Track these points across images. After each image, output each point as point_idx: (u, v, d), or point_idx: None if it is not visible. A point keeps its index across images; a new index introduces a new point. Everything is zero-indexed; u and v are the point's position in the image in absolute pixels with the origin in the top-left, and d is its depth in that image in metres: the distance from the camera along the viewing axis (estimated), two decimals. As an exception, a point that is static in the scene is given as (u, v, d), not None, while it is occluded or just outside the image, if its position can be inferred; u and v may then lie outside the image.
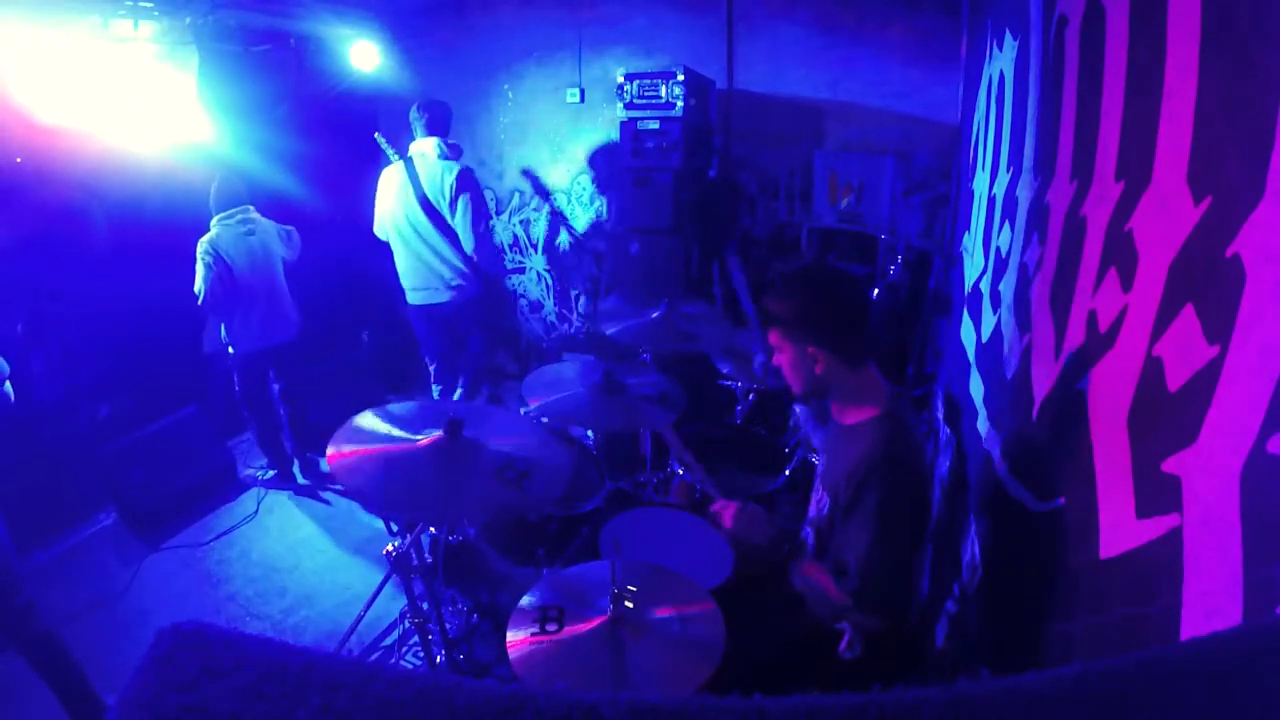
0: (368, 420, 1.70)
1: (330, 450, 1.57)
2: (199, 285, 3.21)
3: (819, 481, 1.68)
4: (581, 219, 4.76)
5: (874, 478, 1.43)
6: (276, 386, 3.63)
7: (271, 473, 3.73)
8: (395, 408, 1.77)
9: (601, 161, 4.56)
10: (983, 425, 2.02)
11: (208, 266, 3.18)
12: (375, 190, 3.51)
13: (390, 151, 3.45)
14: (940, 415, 2.83)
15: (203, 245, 3.22)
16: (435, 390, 3.81)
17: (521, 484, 1.58)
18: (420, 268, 3.45)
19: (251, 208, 3.39)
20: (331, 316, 4.71)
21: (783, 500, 2.51)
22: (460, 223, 3.34)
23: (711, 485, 1.72)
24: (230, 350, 3.44)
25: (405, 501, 1.59)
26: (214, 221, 3.28)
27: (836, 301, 1.52)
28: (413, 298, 3.55)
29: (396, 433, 1.67)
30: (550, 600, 1.49)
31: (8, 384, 2.22)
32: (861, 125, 3.87)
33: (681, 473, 2.35)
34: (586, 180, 4.66)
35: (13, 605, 2.01)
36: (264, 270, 3.40)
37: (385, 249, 3.58)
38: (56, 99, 2.88)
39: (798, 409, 2.10)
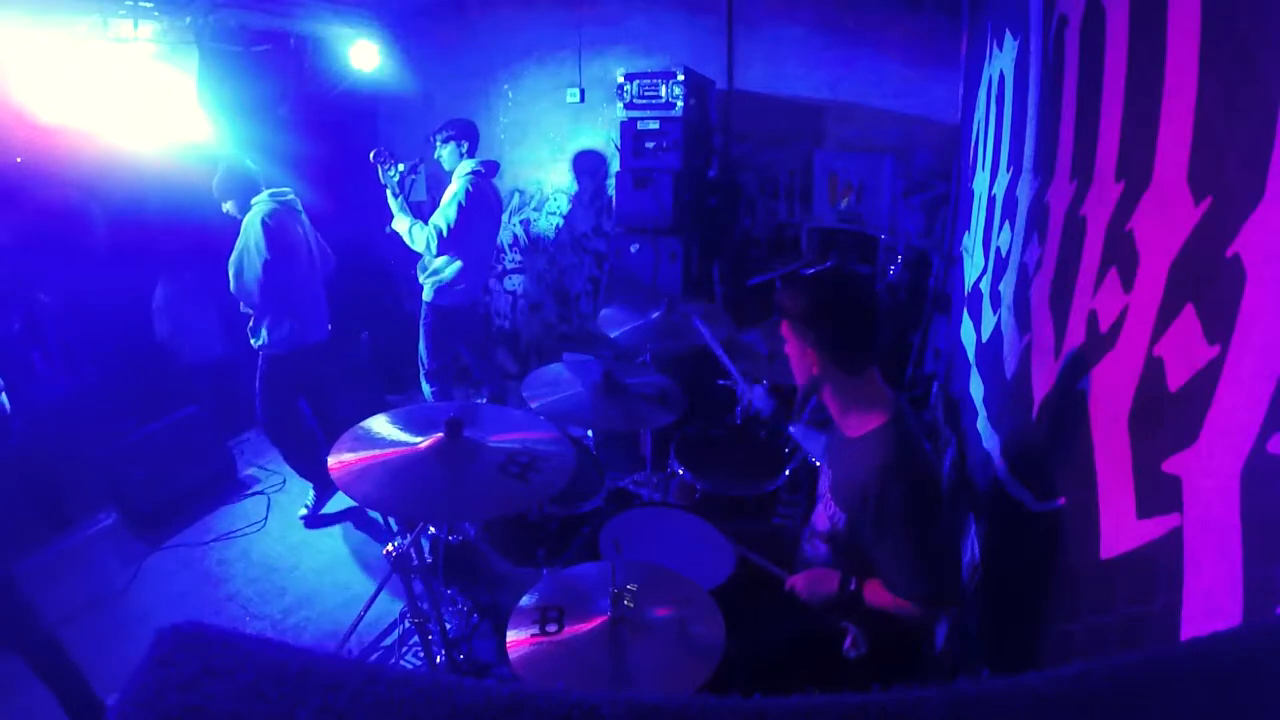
0: (367, 427, 1.70)
1: (331, 460, 1.58)
2: (252, 264, 2.88)
3: (828, 495, 1.67)
4: (582, 219, 4.76)
5: (892, 486, 1.42)
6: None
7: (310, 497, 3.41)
8: (393, 413, 1.77)
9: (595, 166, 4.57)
10: (983, 425, 2.02)
11: (268, 238, 2.86)
12: (380, 190, 3.55)
13: (387, 170, 3.48)
14: (940, 415, 2.83)
15: (258, 216, 2.90)
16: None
17: (526, 476, 1.58)
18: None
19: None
20: (332, 316, 4.71)
21: (782, 500, 2.50)
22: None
23: (776, 568, 1.71)
24: (265, 351, 3.11)
25: (411, 504, 1.59)
26: (264, 195, 3.00)
27: (841, 311, 1.51)
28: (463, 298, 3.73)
29: (397, 436, 1.67)
30: (550, 600, 1.49)
31: (3, 395, 2.21)
32: (861, 125, 3.87)
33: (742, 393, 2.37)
34: (586, 180, 4.66)
35: (9, 608, 2.01)
36: (311, 259, 3.18)
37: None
38: (56, 99, 2.88)
39: (792, 430, 2.11)
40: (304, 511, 3.38)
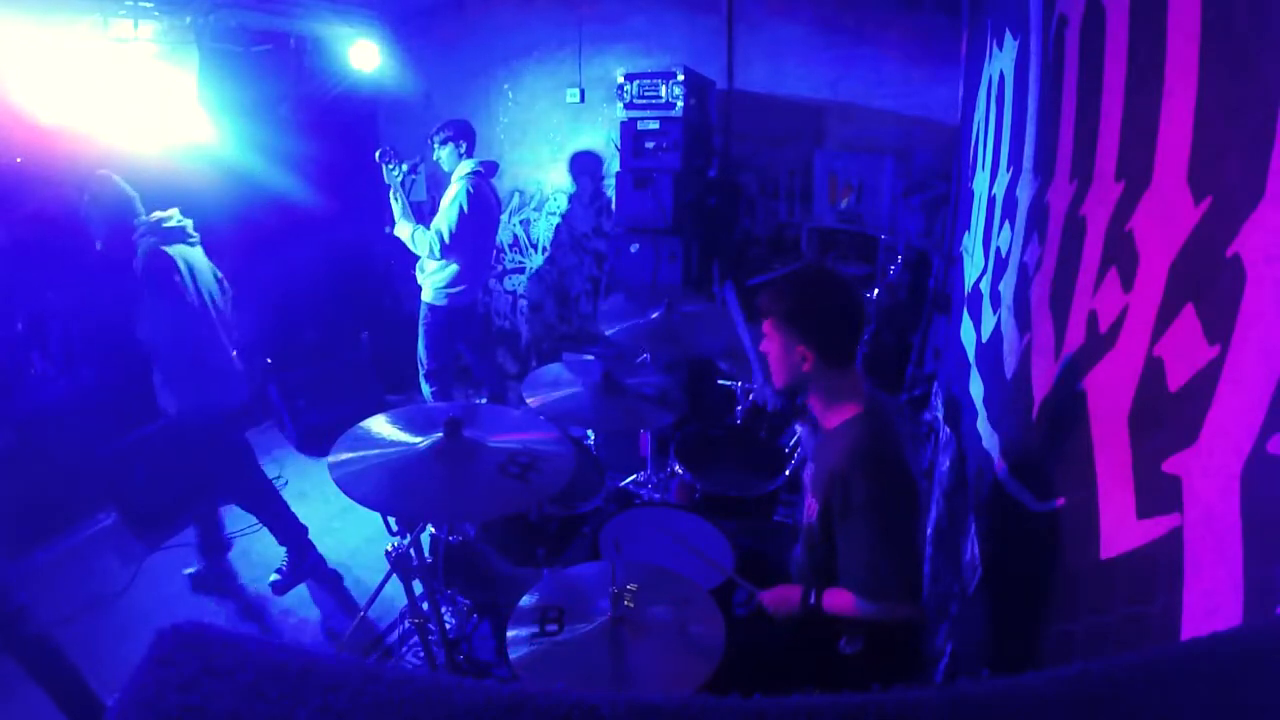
0: (366, 427, 1.71)
1: (331, 459, 1.57)
2: (159, 316, 2.45)
3: (807, 487, 1.69)
4: (581, 219, 4.76)
5: (857, 474, 1.44)
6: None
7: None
8: (393, 413, 1.77)
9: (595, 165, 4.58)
10: (983, 425, 2.02)
11: (176, 285, 2.42)
12: (380, 190, 3.58)
13: (392, 170, 3.50)
14: (940, 415, 2.83)
15: (147, 255, 2.41)
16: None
17: (526, 476, 1.58)
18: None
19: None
20: (332, 316, 4.71)
21: (782, 500, 2.50)
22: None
23: (748, 584, 1.73)
24: (183, 417, 2.60)
25: (412, 504, 1.59)
26: (152, 221, 2.50)
27: (829, 305, 1.54)
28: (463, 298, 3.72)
29: (397, 436, 1.67)
30: (550, 600, 1.49)
31: None
32: (861, 125, 3.87)
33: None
34: (586, 180, 4.66)
35: (3, 611, 2.00)
36: (215, 304, 2.63)
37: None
38: (56, 99, 2.88)
39: (799, 428, 2.11)
40: (275, 578, 2.93)
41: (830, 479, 1.49)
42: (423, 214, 3.71)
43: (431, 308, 3.70)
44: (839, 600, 1.52)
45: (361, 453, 1.61)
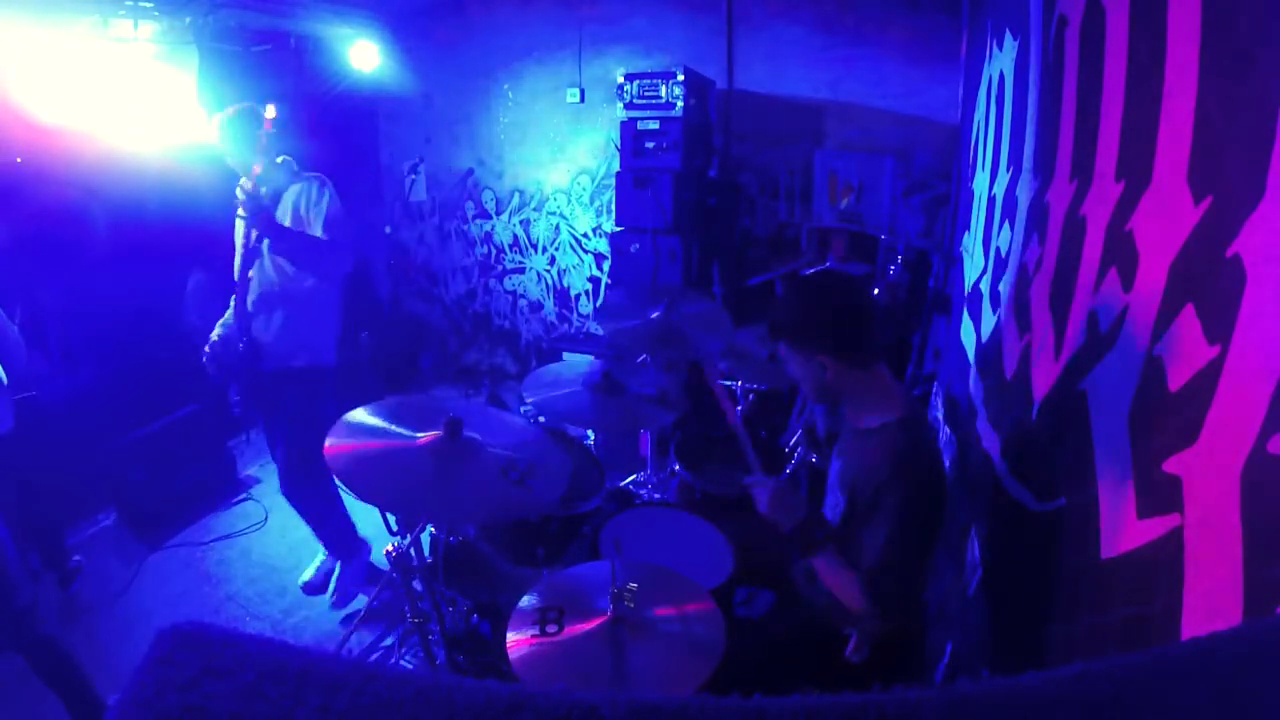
0: (364, 416, 1.69)
1: (329, 442, 1.57)
2: None
3: (834, 484, 1.68)
4: (581, 219, 4.76)
5: (895, 481, 1.43)
6: None
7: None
8: (390, 404, 1.77)
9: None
10: (983, 425, 2.02)
11: None
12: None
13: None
14: (940, 415, 2.83)
15: None
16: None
17: (525, 483, 1.58)
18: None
19: None
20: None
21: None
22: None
23: (753, 452, 1.71)
24: None
25: (407, 500, 1.59)
26: None
27: (836, 307, 1.54)
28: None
29: (394, 429, 1.67)
30: (550, 600, 1.49)
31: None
32: (861, 125, 3.87)
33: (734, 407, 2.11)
34: (586, 180, 4.66)
35: (12, 608, 2.00)
36: None
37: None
38: (56, 99, 2.88)
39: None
40: None
41: (866, 480, 1.48)
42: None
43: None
44: (841, 575, 1.48)
45: (358, 442, 1.60)
